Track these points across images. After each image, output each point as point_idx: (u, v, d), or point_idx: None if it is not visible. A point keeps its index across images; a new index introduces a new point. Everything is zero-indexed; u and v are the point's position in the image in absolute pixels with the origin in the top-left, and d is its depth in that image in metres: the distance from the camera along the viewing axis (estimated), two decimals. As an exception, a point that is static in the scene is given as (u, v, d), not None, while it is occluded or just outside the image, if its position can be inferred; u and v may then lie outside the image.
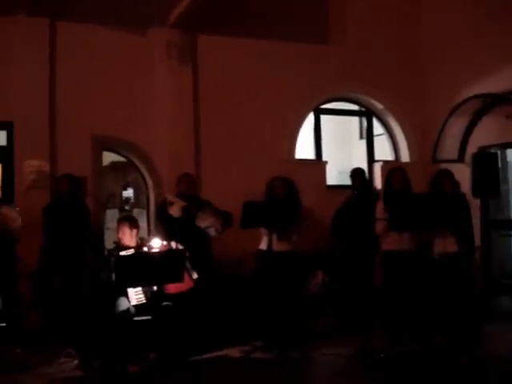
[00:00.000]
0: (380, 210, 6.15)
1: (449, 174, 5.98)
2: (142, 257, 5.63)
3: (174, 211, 6.69)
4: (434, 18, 9.59)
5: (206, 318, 6.40)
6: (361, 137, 11.62)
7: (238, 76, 8.76)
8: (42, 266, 7.09)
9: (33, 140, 7.70)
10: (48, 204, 7.13)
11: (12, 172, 7.74)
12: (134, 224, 6.18)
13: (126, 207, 11.10)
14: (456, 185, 5.98)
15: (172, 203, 6.76)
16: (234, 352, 6.23)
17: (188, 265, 5.92)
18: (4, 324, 6.49)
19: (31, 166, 7.74)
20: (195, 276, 5.99)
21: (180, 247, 5.98)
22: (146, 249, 5.82)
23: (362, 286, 7.04)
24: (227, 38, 8.71)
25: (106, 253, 6.23)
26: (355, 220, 7.08)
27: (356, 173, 7.82)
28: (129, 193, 11.22)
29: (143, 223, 7.90)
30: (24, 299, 6.93)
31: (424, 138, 9.59)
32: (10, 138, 7.85)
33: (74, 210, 6.96)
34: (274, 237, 6.20)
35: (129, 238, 6.04)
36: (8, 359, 5.89)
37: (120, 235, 6.08)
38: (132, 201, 11.17)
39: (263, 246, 6.36)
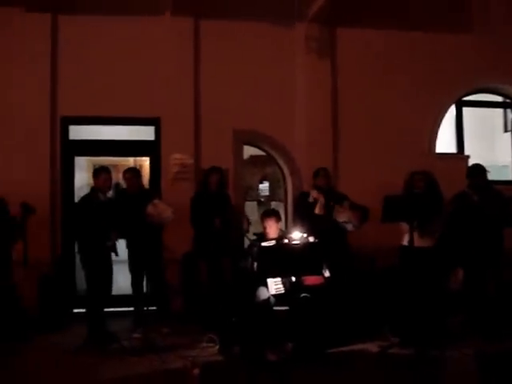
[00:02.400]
0: None
1: None
2: (283, 248, 5.74)
3: (318, 209, 6.76)
4: None
5: (343, 310, 6.41)
6: (505, 129, 11.04)
7: (376, 68, 8.68)
8: (189, 254, 7.45)
9: (178, 134, 8.11)
10: (195, 194, 7.43)
11: (159, 165, 8.18)
12: (278, 217, 6.43)
13: (262, 200, 11.30)
14: None
15: (316, 200, 6.81)
16: (371, 347, 6.19)
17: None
18: (154, 307, 6.92)
19: (176, 159, 8.13)
20: (327, 274, 6.00)
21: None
22: (286, 241, 5.92)
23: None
24: (366, 30, 8.66)
25: (248, 243, 6.44)
26: (476, 221, 6.62)
27: (476, 170, 6.92)
28: (265, 186, 11.39)
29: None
30: (170, 285, 7.32)
31: None
32: (157, 132, 8.31)
33: (219, 201, 7.19)
34: (416, 232, 6.10)
35: (274, 230, 6.20)
36: (156, 340, 6.27)
37: (267, 229, 6.25)
38: (267, 194, 11.34)
39: (405, 241, 6.27)
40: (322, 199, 6.79)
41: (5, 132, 7.71)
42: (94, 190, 6.54)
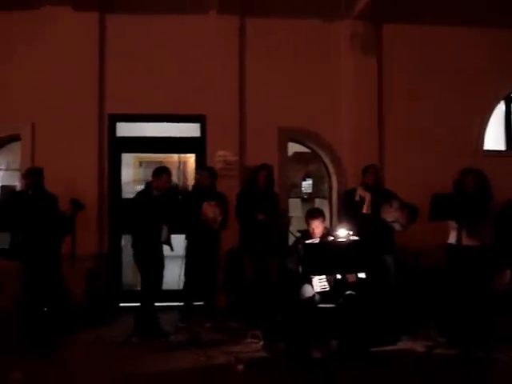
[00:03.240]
0: None
1: None
2: (328, 246, 5.73)
3: (365, 208, 6.71)
4: None
5: (388, 309, 6.34)
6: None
7: (423, 64, 8.58)
8: (233, 250, 7.51)
9: (223, 131, 8.15)
10: (242, 190, 7.52)
11: (205, 162, 8.22)
12: (324, 217, 6.41)
13: (305, 197, 11.26)
14: None
15: (363, 198, 6.76)
16: (416, 346, 6.12)
17: None
18: (200, 303, 7.00)
19: (220, 156, 8.18)
20: (361, 275, 5.91)
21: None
22: (331, 238, 5.90)
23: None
24: (412, 26, 8.55)
25: (293, 240, 6.44)
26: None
27: None
28: (308, 183, 11.35)
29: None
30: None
31: None
32: (203, 129, 8.37)
33: (267, 198, 7.22)
34: (464, 231, 5.99)
35: (320, 230, 6.20)
36: (200, 335, 6.36)
37: (315, 230, 6.23)
38: (310, 191, 11.31)
39: (452, 239, 6.18)
40: (368, 197, 6.74)
41: (54, 130, 7.86)
42: (149, 186, 6.63)
